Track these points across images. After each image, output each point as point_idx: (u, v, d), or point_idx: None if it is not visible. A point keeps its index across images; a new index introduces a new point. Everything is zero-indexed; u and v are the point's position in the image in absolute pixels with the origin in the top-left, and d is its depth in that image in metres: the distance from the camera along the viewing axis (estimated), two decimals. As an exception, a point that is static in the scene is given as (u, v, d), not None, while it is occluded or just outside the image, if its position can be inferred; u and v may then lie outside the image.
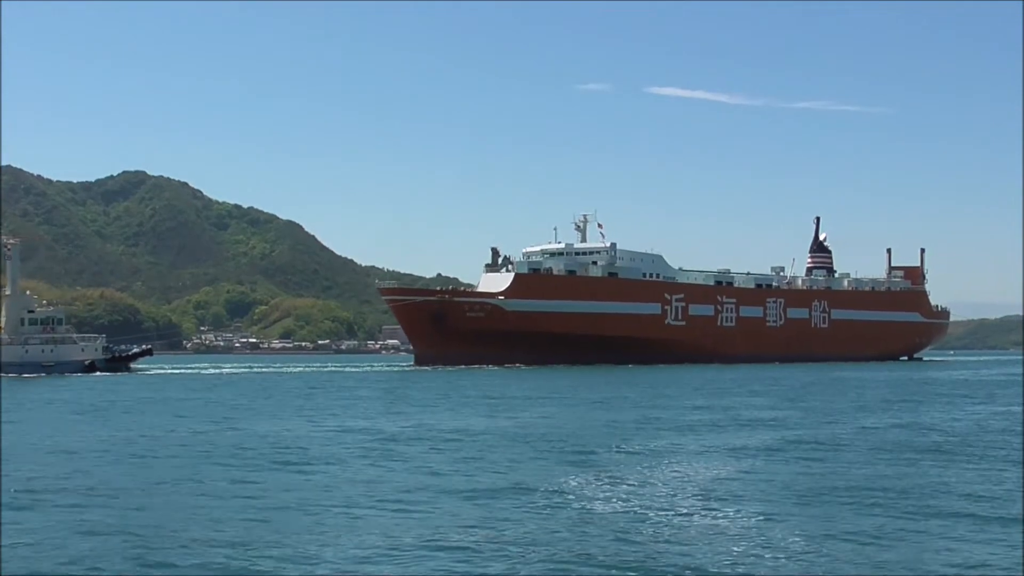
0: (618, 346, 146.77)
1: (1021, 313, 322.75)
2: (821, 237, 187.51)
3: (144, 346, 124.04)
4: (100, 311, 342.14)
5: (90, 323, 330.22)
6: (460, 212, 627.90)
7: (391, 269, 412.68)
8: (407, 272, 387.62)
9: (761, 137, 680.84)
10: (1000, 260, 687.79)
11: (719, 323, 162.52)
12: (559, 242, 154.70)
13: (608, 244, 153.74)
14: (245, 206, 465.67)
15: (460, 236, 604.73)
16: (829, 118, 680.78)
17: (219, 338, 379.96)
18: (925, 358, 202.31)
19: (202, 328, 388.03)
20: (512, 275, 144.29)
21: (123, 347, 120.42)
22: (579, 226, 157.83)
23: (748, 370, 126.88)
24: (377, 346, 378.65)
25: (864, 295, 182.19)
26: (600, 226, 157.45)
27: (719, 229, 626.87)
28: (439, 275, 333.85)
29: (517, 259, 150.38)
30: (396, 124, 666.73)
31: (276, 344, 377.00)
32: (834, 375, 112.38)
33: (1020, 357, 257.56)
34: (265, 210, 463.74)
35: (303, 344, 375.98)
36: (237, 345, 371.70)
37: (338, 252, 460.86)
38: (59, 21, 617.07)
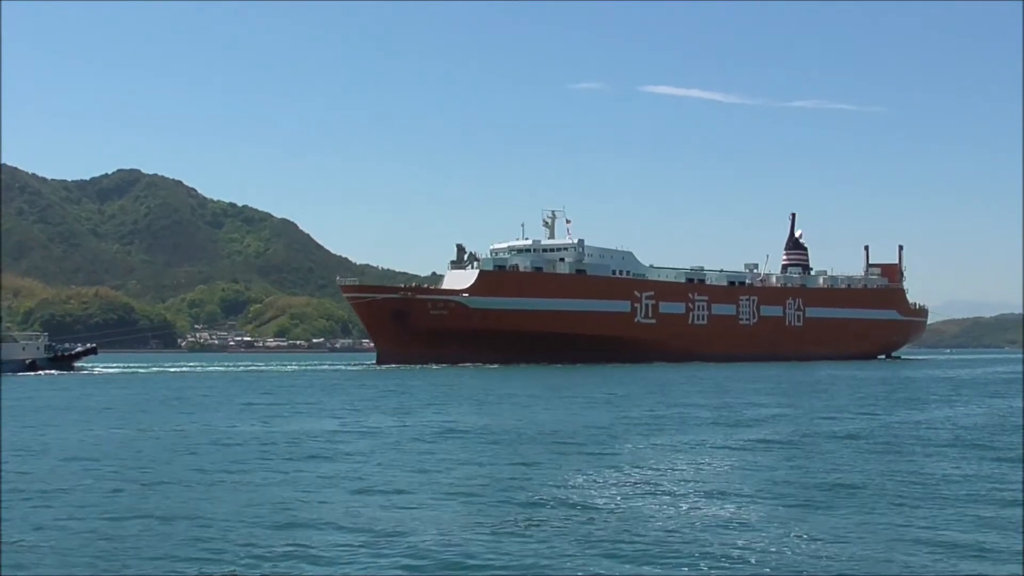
0: (586, 345, 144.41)
1: (1019, 312, 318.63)
2: (797, 234, 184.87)
3: (88, 344, 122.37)
4: (95, 309, 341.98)
5: (84, 321, 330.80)
6: (456, 211, 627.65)
7: (386, 268, 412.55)
8: (401, 271, 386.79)
9: (750, 135, 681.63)
10: (997, 259, 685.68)
11: (690, 321, 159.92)
12: (526, 239, 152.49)
13: (576, 241, 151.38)
14: (240, 204, 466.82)
15: (456, 235, 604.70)
16: (823, 117, 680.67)
17: (214, 336, 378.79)
18: (903, 356, 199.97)
19: (197, 326, 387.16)
20: (476, 272, 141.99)
21: (67, 346, 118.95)
22: (547, 222, 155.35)
23: (712, 369, 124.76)
24: (372, 344, 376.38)
25: (840, 293, 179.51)
26: (568, 222, 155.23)
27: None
28: (433, 273, 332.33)
29: (484, 256, 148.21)
30: (390, 123, 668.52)
31: (271, 343, 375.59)
32: (767, 373, 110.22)
33: (1014, 355, 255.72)
34: (260, 208, 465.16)
35: (298, 343, 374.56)
36: (232, 343, 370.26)
37: (333, 251, 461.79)
38: (55, 21, 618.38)
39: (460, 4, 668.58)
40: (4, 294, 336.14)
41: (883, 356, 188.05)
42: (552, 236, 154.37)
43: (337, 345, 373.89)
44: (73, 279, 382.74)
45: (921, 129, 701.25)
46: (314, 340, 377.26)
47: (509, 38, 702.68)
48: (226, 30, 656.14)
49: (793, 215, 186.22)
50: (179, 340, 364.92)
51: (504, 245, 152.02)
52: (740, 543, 19.86)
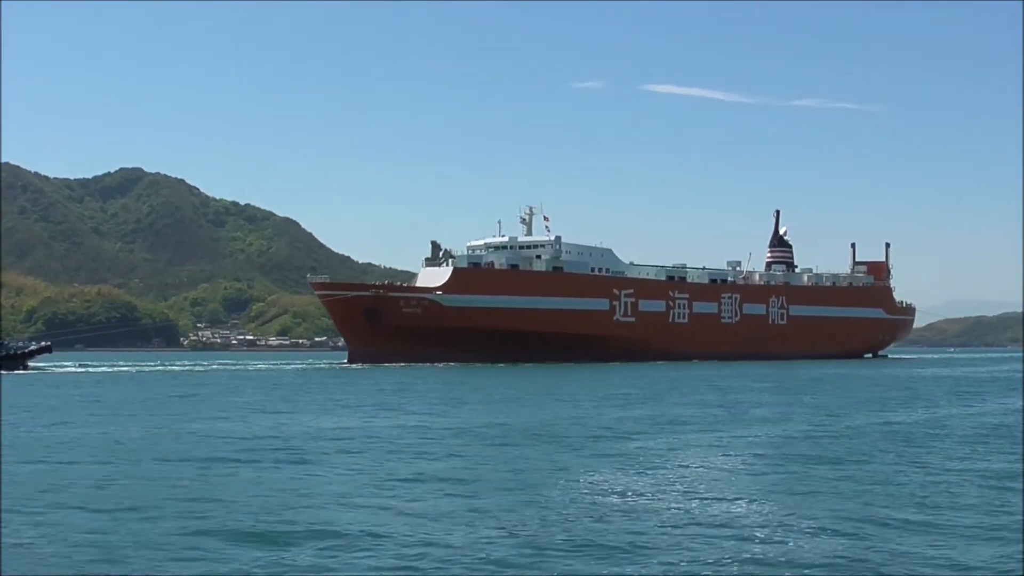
0: (563, 343, 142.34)
1: (1020, 310, 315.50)
2: (781, 231, 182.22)
3: (43, 343, 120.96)
4: (97, 308, 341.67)
5: (87, 320, 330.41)
6: (459, 210, 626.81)
7: (387, 266, 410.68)
8: (404, 269, 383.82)
9: (743, 133, 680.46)
10: (999, 259, 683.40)
11: (671, 320, 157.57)
12: (503, 235, 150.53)
13: (553, 238, 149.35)
14: (242, 203, 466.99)
15: (458, 233, 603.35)
16: (824, 116, 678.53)
17: (216, 335, 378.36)
18: (892, 356, 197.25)
19: (199, 325, 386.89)
20: (450, 269, 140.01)
21: (20, 344, 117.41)
22: (525, 219, 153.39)
23: (678, 368, 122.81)
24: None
25: (824, 291, 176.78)
26: (547, 219, 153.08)
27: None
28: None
29: (460, 253, 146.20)
30: (393, 122, 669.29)
31: (273, 341, 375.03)
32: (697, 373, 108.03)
33: (1013, 354, 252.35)
34: (262, 207, 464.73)
35: (300, 341, 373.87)
36: (234, 342, 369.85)
37: (335, 249, 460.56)
38: (56, 19, 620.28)
39: (462, 4, 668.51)
40: (7, 293, 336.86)
41: (869, 355, 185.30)
42: (530, 233, 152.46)
43: (339, 344, 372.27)
44: (75, 277, 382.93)
45: (922, 128, 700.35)
46: (316, 339, 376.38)
47: (511, 38, 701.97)
48: (228, 28, 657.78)
49: (777, 212, 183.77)
50: (182, 339, 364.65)
51: (480, 242, 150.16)
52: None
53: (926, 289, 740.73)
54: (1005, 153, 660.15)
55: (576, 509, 22.75)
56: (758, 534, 19.98)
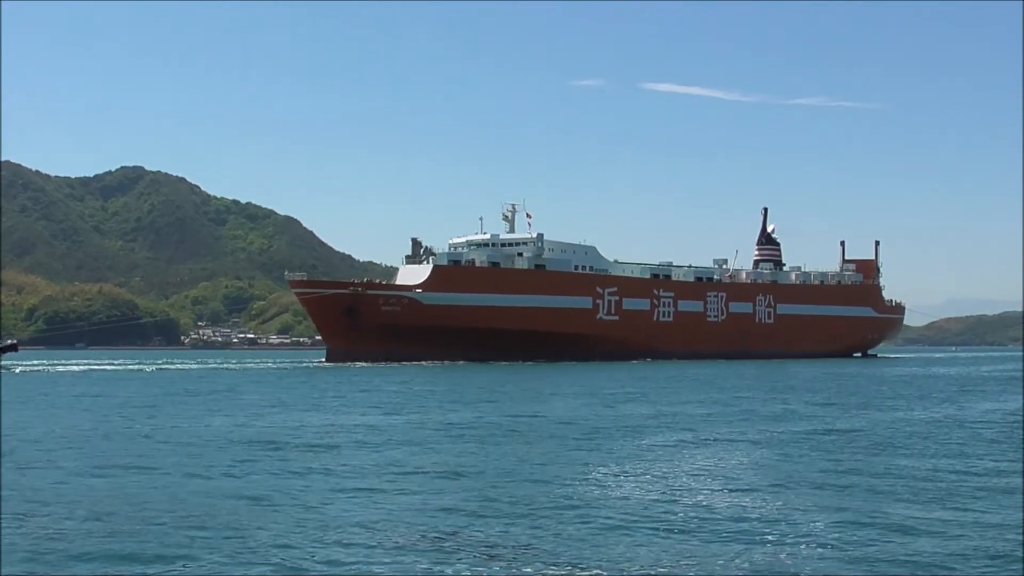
0: (545, 342, 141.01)
1: (1020, 309, 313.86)
2: (769, 228, 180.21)
3: (9, 341, 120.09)
4: (98, 306, 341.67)
5: (88, 318, 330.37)
6: (460, 207, 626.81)
7: (389, 265, 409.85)
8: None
9: (739, 131, 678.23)
10: (1000, 257, 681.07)
11: (655, 318, 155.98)
12: (484, 232, 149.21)
13: (535, 235, 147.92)
14: (243, 201, 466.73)
15: (458, 231, 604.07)
16: (824, 114, 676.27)
17: (217, 333, 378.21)
18: (880, 355, 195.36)
19: (200, 323, 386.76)
20: (430, 267, 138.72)
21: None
22: (507, 216, 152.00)
23: (663, 368, 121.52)
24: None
25: (812, 289, 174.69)
26: (529, 216, 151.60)
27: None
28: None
29: (441, 250, 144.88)
30: (394, 121, 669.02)
31: (274, 339, 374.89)
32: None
33: (1014, 353, 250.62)
34: (263, 205, 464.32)
35: (301, 339, 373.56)
36: (235, 340, 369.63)
37: (336, 248, 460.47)
38: (58, 18, 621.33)
39: (462, 3, 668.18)
40: (7, 291, 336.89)
41: (858, 354, 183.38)
42: (512, 230, 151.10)
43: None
44: (76, 276, 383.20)
45: (923, 126, 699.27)
46: (317, 337, 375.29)
47: (512, 37, 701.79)
48: (229, 27, 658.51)
49: (765, 209, 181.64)
50: (183, 337, 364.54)
51: (462, 240, 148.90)
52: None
53: (927, 288, 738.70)
54: (1005, 152, 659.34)
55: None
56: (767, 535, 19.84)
